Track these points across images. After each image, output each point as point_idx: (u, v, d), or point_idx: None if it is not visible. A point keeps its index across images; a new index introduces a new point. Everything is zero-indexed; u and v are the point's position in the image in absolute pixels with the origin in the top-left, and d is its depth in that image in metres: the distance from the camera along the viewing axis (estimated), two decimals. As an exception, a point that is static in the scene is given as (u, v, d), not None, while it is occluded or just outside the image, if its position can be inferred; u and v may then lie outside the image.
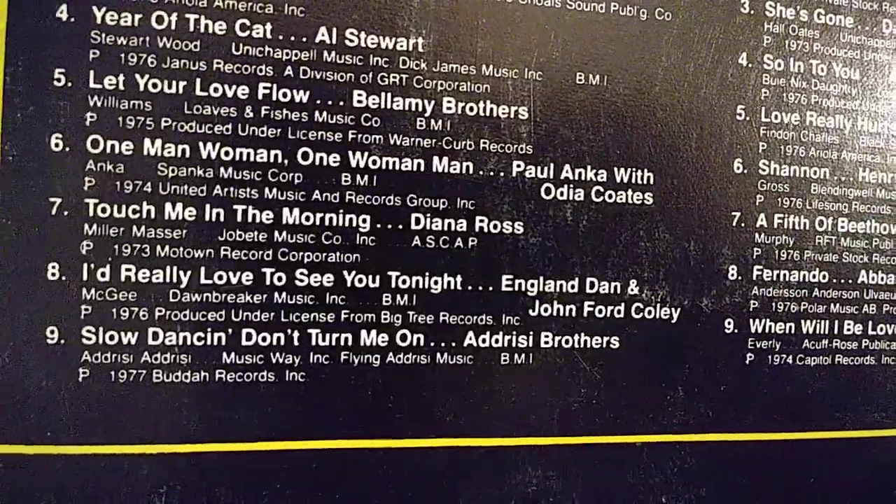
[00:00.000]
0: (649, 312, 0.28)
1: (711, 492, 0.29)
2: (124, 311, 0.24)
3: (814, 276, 0.30)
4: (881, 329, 0.31)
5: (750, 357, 0.29)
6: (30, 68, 0.23)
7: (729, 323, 0.29)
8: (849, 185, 0.30)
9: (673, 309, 0.29)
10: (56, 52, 0.23)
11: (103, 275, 0.24)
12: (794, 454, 0.30)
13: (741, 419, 0.30)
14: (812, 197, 0.30)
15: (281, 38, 0.25)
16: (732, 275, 0.29)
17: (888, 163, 0.31)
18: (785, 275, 0.30)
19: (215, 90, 0.25)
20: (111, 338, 0.24)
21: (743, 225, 0.29)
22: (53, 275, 0.24)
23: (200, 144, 0.24)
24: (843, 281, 0.30)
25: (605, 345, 0.28)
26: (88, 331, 0.24)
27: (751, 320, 0.29)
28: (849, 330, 0.30)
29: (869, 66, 0.30)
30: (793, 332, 0.30)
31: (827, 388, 0.30)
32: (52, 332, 0.24)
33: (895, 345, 0.31)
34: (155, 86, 0.24)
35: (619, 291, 0.28)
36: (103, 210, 0.24)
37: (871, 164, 0.30)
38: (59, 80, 0.23)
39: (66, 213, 0.24)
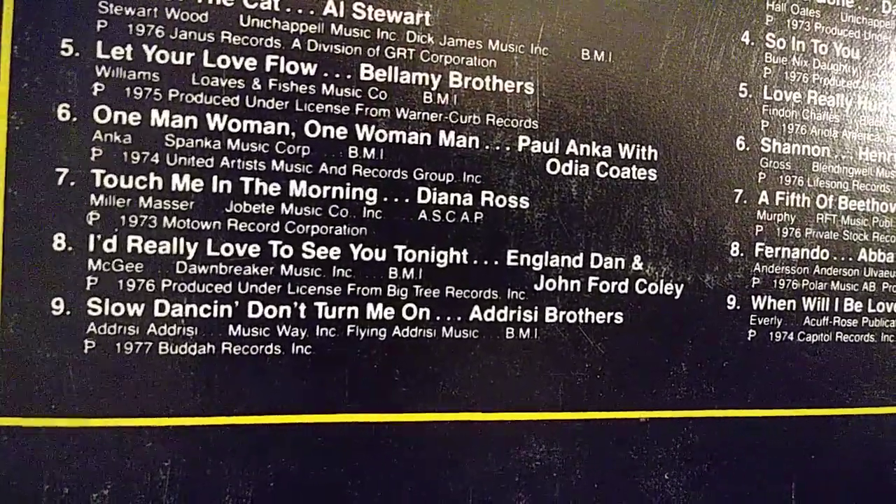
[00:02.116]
0: (653, 288, 0.29)
1: (714, 468, 0.30)
2: (130, 283, 0.24)
3: (815, 254, 0.30)
4: (881, 307, 0.31)
5: (752, 333, 0.30)
6: (37, 38, 0.23)
7: (731, 299, 0.29)
8: (849, 164, 0.30)
9: (676, 285, 0.29)
10: (64, 23, 0.23)
11: (110, 246, 0.24)
12: (796, 431, 0.30)
13: (743, 395, 0.30)
14: (813, 175, 0.30)
15: (289, 10, 0.25)
16: (735, 251, 0.29)
17: (888, 142, 0.31)
18: (786, 252, 0.30)
19: (223, 62, 0.25)
20: (117, 309, 0.24)
21: (745, 202, 0.29)
22: (59, 245, 0.24)
23: (208, 116, 0.24)
24: (843, 259, 0.30)
25: (609, 320, 0.28)
26: (94, 302, 0.24)
27: (753, 297, 0.30)
28: (849, 307, 0.31)
29: (869, 46, 0.31)
30: (794, 309, 0.30)
31: (828, 364, 0.31)
32: (57, 303, 0.24)
33: (895, 323, 0.31)
34: (163, 57, 0.24)
35: (623, 267, 0.28)
36: (110, 181, 0.24)
37: (871, 142, 0.31)
38: (66, 50, 0.23)
39: (72, 183, 0.24)
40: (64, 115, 0.23)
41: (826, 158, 0.30)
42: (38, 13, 0.23)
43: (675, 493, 0.29)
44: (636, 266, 0.28)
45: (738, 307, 0.29)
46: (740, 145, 0.29)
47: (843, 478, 0.31)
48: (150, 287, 0.24)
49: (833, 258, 0.30)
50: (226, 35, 0.24)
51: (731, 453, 0.30)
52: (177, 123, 0.24)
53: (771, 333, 0.30)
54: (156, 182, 0.24)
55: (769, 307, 0.30)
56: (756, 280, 0.30)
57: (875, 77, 0.31)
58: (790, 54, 0.30)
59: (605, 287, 0.28)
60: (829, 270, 0.30)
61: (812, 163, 0.30)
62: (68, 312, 0.24)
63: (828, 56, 0.30)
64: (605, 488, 0.29)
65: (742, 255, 0.29)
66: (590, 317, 0.28)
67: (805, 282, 0.30)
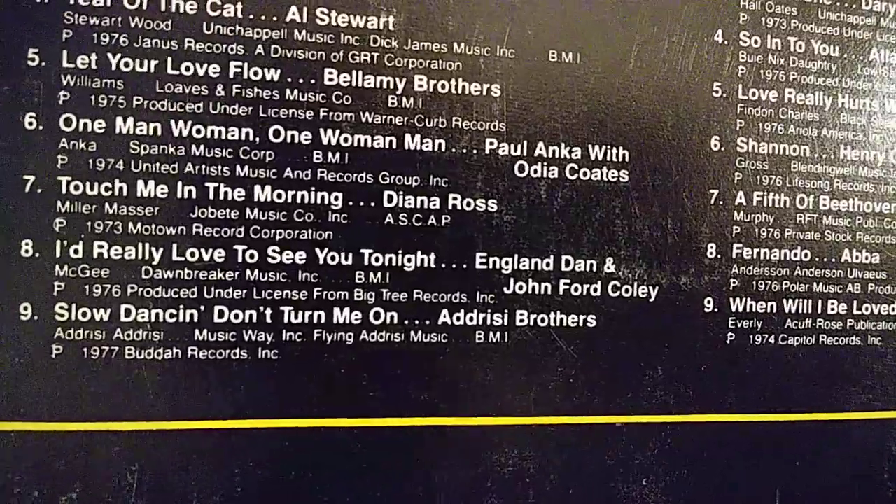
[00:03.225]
0: (626, 291, 0.28)
1: (694, 474, 0.29)
2: (97, 288, 0.24)
3: (795, 255, 0.30)
4: (866, 309, 0.30)
5: (731, 336, 0.29)
6: (3, 48, 0.24)
7: (709, 302, 0.29)
8: (830, 163, 0.30)
9: (651, 287, 0.28)
10: (30, 33, 0.24)
11: (76, 252, 0.24)
12: (778, 436, 0.30)
13: (723, 400, 0.29)
14: (792, 174, 0.30)
15: (252, 17, 0.25)
16: (711, 253, 0.29)
17: (870, 140, 0.30)
18: (765, 253, 0.29)
19: (187, 69, 0.25)
20: (84, 314, 0.24)
21: (721, 203, 0.29)
22: (27, 252, 0.24)
23: (172, 122, 0.25)
24: (825, 259, 0.30)
25: (581, 323, 0.28)
26: (61, 307, 0.24)
27: (731, 299, 0.29)
28: (833, 309, 0.30)
29: (849, 43, 0.30)
30: (775, 311, 0.30)
31: (811, 368, 0.30)
32: (25, 308, 0.24)
33: (881, 325, 0.31)
34: (127, 65, 0.24)
35: (595, 269, 0.28)
36: (76, 187, 0.24)
37: (853, 141, 0.30)
38: (32, 59, 0.24)
39: (39, 190, 0.24)
40: (30, 123, 0.24)
41: (805, 158, 0.30)
42: (3, 24, 0.24)
43: (654, 500, 0.29)
44: (609, 268, 0.28)
45: (716, 310, 0.29)
46: (715, 145, 0.29)
47: (829, 484, 0.30)
48: (117, 292, 0.25)
49: (815, 259, 0.30)
50: (189, 42, 0.25)
51: (712, 459, 0.29)
52: (141, 130, 0.25)
53: (751, 336, 0.29)
54: (121, 188, 0.24)
55: (748, 309, 0.29)
56: (734, 282, 0.29)
57: (856, 74, 0.30)
58: (765, 53, 0.29)
59: (576, 290, 0.28)
60: (811, 272, 0.30)
61: (791, 162, 0.30)
62: (36, 318, 0.24)
63: (805, 54, 0.30)
64: (580, 494, 0.28)
65: (719, 256, 0.29)
66: (562, 320, 0.28)
67: (786, 283, 0.30)
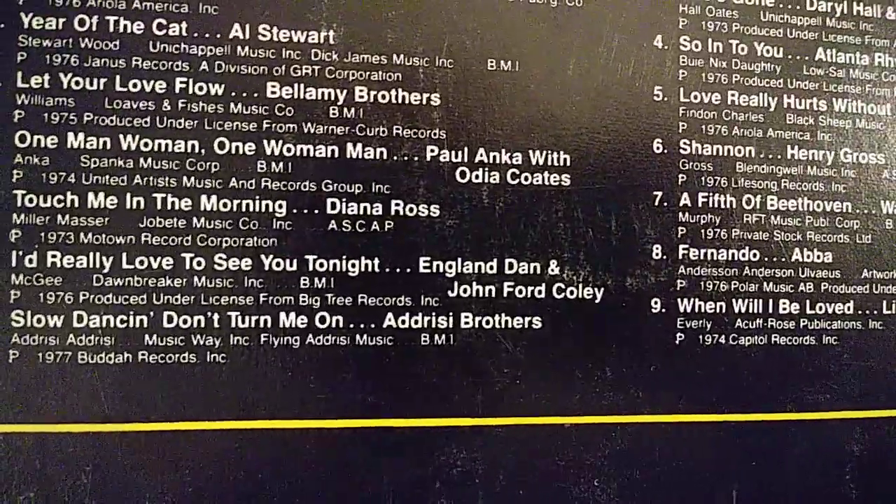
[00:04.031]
0: (571, 292, 0.29)
1: (647, 474, 0.29)
2: (51, 296, 0.26)
3: (744, 255, 0.30)
4: (820, 308, 0.30)
5: (680, 337, 0.29)
6: (-39, 71, 0.25)
7: (655, 302, 0.29)
8: (776, 163, 0.30)
9: (596, 289, 0.29)
10: (-15, 56, 0.25)
11: (31, 261, 0.25)
12: (733, 437, 0.30)
13: (674, 400, 0.29)
14: (737, 175, 0.30)
15: (196, 35, 0.26)
16: (657, 254, 0.29)
17: (818, 139, 0.31)
18: (712, 253, 0.30)
19: (134, 85, 0.26)
20: (39, 321, 0.26)
21: (665, 204, 0.29)
22: (-17, 262, 0.25)
23: (121, 136, 0.26)
24: (775, 259, 0.30)
25: (526, 325, 0.28)
26: (17, 314, 0.25)
27: (678, 300, 0.29)
28: (784, 309, 0.30)
29: (792, 44, 0.31)
30: (724, 311, 0.30)
31: (764, 368, 0.30)
32: (-18, 316, 0.25)
33: (836, 324, 0.30)
34: (77, 83, 0.26)
35: (538, 272, 0.28)
36: (30, 200, 0.25)
37: (801, 141, 0.30)
38: (-12, 80, 0.25)
39: (-5, 203, 0.25)
40: (-14, 140, 0.25)
41: (751, 158, 0.30)
42: (-40, 48, 0.25)
43: (607, 500, 0.29)
44: (553, 271, 0.28)
45: (664, 310, 0.29)
46: (658, 148, 0.29)
47: (789, 485, 0.30)
48: (69, 299, 0.26)
49: (764, 259, 0.30)
50: (136, 60, 0.26)
51: (665, 459, 0.29)
52: (92, 145, 0.26)
53: (700, 336, 0.29)
54: (72, 200, 0.26)
55: (697, 310, 0.29)
56: (681, 282, 0.29)
57: (802, 75, 0.31)
58: (706, 56, 0.30)
59: (521, 292, 0.28)
60: (761, 271, 0.30)
61: (735, 163, 0.30)
62: (-8, 325, 0.25)
63: (748, 56, 0.30)
64: (531, 495, 0.29)
65: (665, 257, 0.29)
66: (507, 322, 0.28)
67: (735, 283, 0.30)
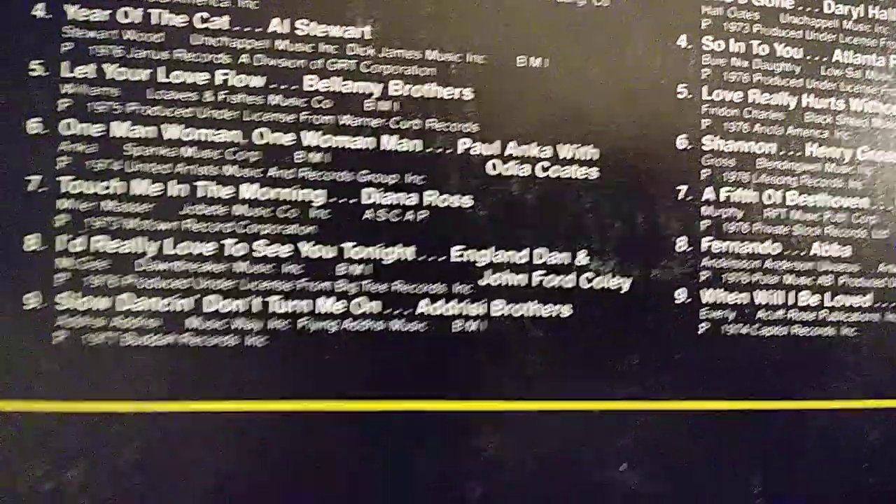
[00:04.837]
0: (599, 282, 0.29)
1: (671, 459, 0.30)
2: (95, 280, 0.26)
3: (765, 248, 0.31)
4: (838, 301, 0.31)
5: (703, 327, 0.30)
6: (8, 60, 0.26)
7: (680, 293, 0.30)
8: (796, 160, 0.31)
9: (623, 279, 0.30)
10: (33, 46, 0.26)
11: (76, 246, 0.26)
12: (754, 424, 0.30)
13: (697, 388, 0.30)
14: (759, 171, 0.31)
15: (237, 28, 0.27)
16: (681, 246, 0.30)
17: (836, 137, 0.31)
18: (735, 246, 0.30)
19: (177, 77, 0.27)
20: (84, 304, 0.26)
21: (690, 198, 0.30)
22: (30, 246, 0.26)
23: (164, 126, 0.27)
24: (795, 252, 0.31)
25: (556, 313, 0.29)
26: (63, 297, 0.26)
27: (702, 291, 0.30)
28: (804, 301, 0.31)
29: (812, 45, 0.32)
30: (746, 302, 0.30)
31: (785, 358, 0.31)
32: (29, 298, 0.26)
33: (854, 316, 0.31)
34: (122, 74, 0.27)
35: (568, 262, 0.29)
36: (75, 187, 0.26)
37: (819, 139, 0.31)
38: (34, 70, 0.26)
39: (41, 190, 0.26)
40: (33, 128, 0.26)
41: (771, 155, 0.31)
42: (10, 38, 0.26)
43: (633, 484, 0.30)
44: (581, 261, 0.29)
45: (688, 301, 0.30)
46: (681, 144, 0.30)
47: (808, 471, 0.31)
48: (114, 283, 0.26)
49: (784, 252, 0.31)
50: (179, 53, 0.27)
51: (689, 445, 0.30)
52: (135, 134, 0.27)
53: (723, 327, 0.30)
54: (117, 187, 0.26)
55: (719, 301, 0.30)
56: (705, 274, 0.30)
57: (820, 75, 0.32)
58: (729, 56, 0.31)
59: (550, 281, 0.29)
60: (781, 264, 0.31)
61: (757, 159, 0.31)
62: (40, 307, 0.26)
63: (769, 56, 0.31)
64: (559, 478, 0.29)
65: (689, 249, 0.30)
66: (536, 310, 0.29)
67: (756, 276, 0.31)
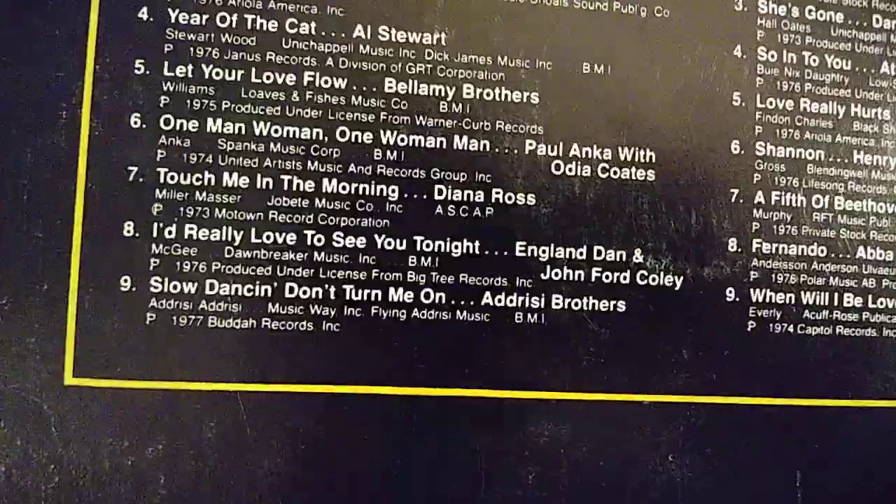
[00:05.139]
0: (653, 279, 0.31)
1: (717, 452, 0.31)
2: (186, 265, 0.28)
3: (812, 251, 0.32)
4: (881, 303, 0.33)
5: (751, 325, 0.32)
6: (115, 59, 0.28)
7: (730, 292, 0.31)
8: (844, 166, 0.32)
9: (676, 277, 0.31)
10: (137, 46, 0.28)
11: (170, 233, 0.28)
12: (797, 420, 0.32)
13: (744, 383, 0.31)
14: (808, 176, 0.32)
15: (323, 33, 0.29)
16: (732, 247, 0.31)
17: (882, 146, 0.33)
18: (783, 248, 0.32)
19: (267, 77, 0.29)
20: (174, 287, 0.28)
21: (741, 201, 0.32)
22: (128, 232, 0.28)
23: (254, 123, 0.29)
24: (841, 256, 0.32)
25: (612, 308, 0.31)
26: (156, 281, 0.28)
27: (751, 290, 0.32)
28: (849, 302, 0.32)
29: (861, 58, 0.33)
30: (793, 302, 0.32)
31: (829, 357, 0.32)
32: (125, 281, 0.28)
33: (895, 318, 0.33)
34: (217, 74, 0.29)
35: (624, 259, 0.31)
36: (171, 178, 0.28)
37: (866, 147, 0.33)
38: (138, 69, 0.28)
39: (140, 179, 0.28)
40: (135, 122, 0.28)
41: (820, 161, 0.32)
42: (116, 38, 0.28)
43: (680, 474, 0.31)
44: (637, 259, 0.31)
45: (737, 299, 0.31)
46: (735, 149, 0.32)
47: (848, 467, 0.32)
48: (203, 269, 0.28)
49: (831, 255, 0.32)
50: (270, 55, 0.29)
51: (735, 439, 0.31)
52: (228, 130, 0.28)
53: (770, 325, 0.32)
54: (209, 179, 0.28)
55: (768, 300, 0.32)
56: (754, 274, 0.32)
57: (868, 86, 0.33)
58: (782, 66, 0.32)
59: (607, 277, 0.31)
60: (828, 266, 0.32)
61: (806, 165, 0.32)
62: (134, 289, 0.28)
63: (819, 67, 0.33)
64: (611, 465, 0.31)
65: (739, 250, 0.32)
66: (593, 304, 0.31)
67: (803, 277, 0.32)
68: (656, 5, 0.31)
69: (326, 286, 0.29)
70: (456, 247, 0.30)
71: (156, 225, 0.28)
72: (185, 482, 0.28)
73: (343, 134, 0.29)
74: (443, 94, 0.30)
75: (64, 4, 0.28)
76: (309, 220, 0.29)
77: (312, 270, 0.29)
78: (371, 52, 0.29)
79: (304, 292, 0.29)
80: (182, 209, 0.28)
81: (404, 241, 0.29)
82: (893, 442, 0.33)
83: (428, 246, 0.30)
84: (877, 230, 0.33)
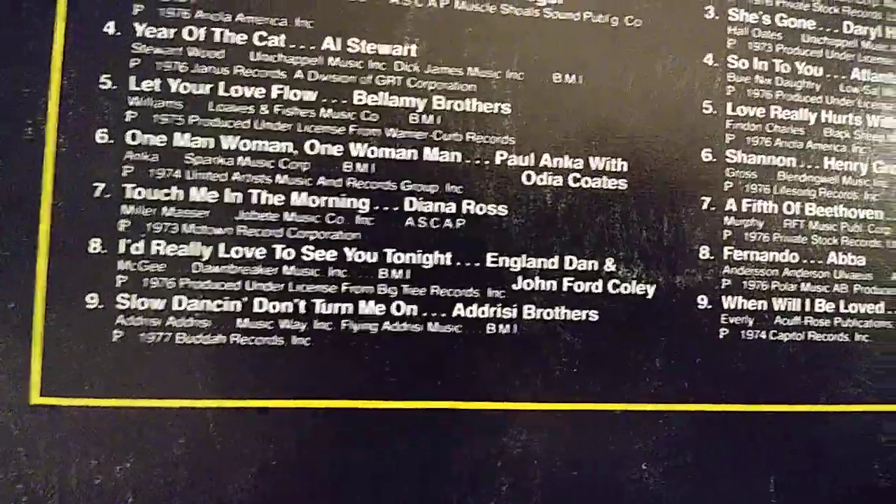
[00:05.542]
0: (625, 288, 0.31)
1: (690, 459, 0.31)
2: (154, 281, 0.28)
3: (783, 257, 0.32)
4: (853, 308, 0.33)
5: (723, 332, 0.32)
6: (81, 74, 0.28)
7: (702, 299, 0.32)
8: (815, 173, 0.33)
9: (648, 285, 0.31)
10: (103, 61, 0.28)
11: (137, 249, 0.28)
12: (770, 426, 0.32)
13: (717, 390, 0.32)
14: (779, 183, 0.32)
15: (292, 46, 0.29)
16: (704, 254, 0.32)
17: (853, 152, 0.33)
18: (755, 255, 0.32)
19: (236, 91, 0.29)
20: (142, 304, 0.28)
21: (713, 209, 0.32)
22: (95, 248, 0.28)
23: (222, 137, 0.28)
24: (812, 261, 0.32)
25: (584, 317, 0.31)
26: (123, 297, 0.28)
27: (723, 297, 0.32)
28: (820, 308, 0.32)
29: (831, 64, 0.33)
30: (765, 309, 0.32)
31: (801, 363, 0.32)
32: (91, 298, 0.28)
33: (868, 323, 0.33)
34: (185, 88, 0.28)
35: (596, 268, 0.31)
36: (138, 193, 0.28)
37: (837, 153, 0.33)
38: (104, 84, 0.28)
39: (107, 195, 0.28)
40: (101, 138, 0.28)
41: (791, 168, 0.32)
42: (82, 53, 0.28)
43: (654, 483, 0.31)
44: (609, 268, 0.31)
45: (710, 307, 0.32)
46: (706, 157, 0.32)
47: (821, 472, 0.32)
48: (171, 285, 0.28)
49: (802, 261, 0.32)
50: (238, 69, 0.29)
51: (708, 445, 0.32)
52: (196, 144, 0.28)
53: (742, 332, 0.32)
54: (177, 194, 0.28)
55: (739, 307, 0.32)
56: (726, 281, 0.32)
57: (838, 92, 0.33)
58: (752, 74, 0.32)
59: (579, 287, 0.31)
60: (799, 273, 0.32)
61: (777, 172, 0.32)
62: (100, 306, 0.28)
63: (790, 74, 0.33)
64: (584, 475, 0.31)
65: (711, 258, 0.32)
66: (566, 314, 0.31)
67: (775, 283, 0.32)
68: (627, 15, 0.31)
69: (296, 300, 0.29)
70: (427, 259, 0.30)
71: (122, 241, 0.28)
72: (154, 500, 0.28)
73: (313, 147, 0.29)
74: (413, 105, 0.30)
75: (29, 19, 0.28)
76: (278, 234, 0.29)
77: (282, 285, 0.29)
78: (341, 65, 0.29)
79: (274, 307, 0.29)
80: (149, 225, 0.28)
81: (375, 254, 0.29)
82: (866, 446, 0.33)
83: (399, 258, 0.29)
84: (848, 236, 0.33)
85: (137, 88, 0.28)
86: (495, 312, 0.30)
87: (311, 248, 0.29)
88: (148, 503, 0.28)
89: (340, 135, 0.29)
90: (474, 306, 0.30)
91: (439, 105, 0.30)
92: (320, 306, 0.29)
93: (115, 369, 0.28)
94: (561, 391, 0.31)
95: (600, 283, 0.31)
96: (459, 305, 0.30)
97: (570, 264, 0.31)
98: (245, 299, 0.29)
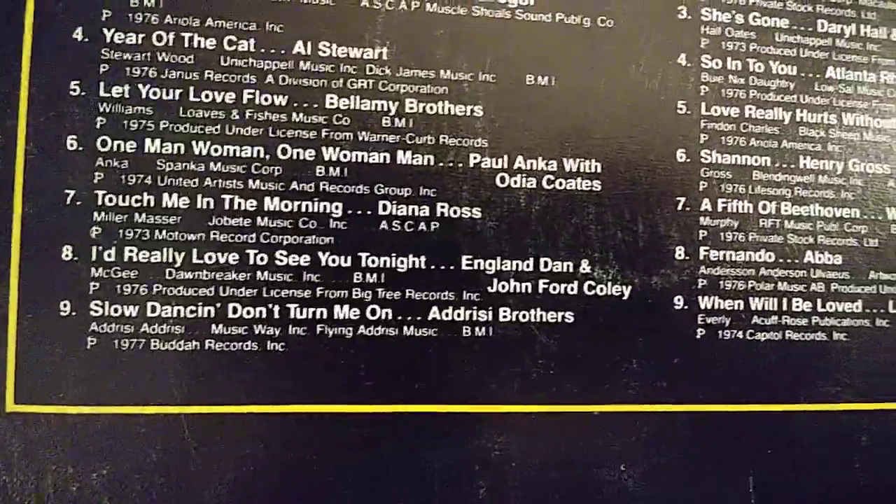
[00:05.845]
0: (601, 290, 0.31)
1: (668, 460, 0.31)
2: (127, 288, 0.28)
3: (760, 257, 0.32)
4: (830, 307, 0.33)
5: (700, 332, 0.32)
6: (50, 81, 0.28)
7: (678, 300, 0.31)
8: (790, 172, 0.33)
9: (624, 286, 0.31)
10: (72, 67, 0.28)
11: (109, 256, 0.28)
12: (748, 425, 0.32)
13: (695, 391, 0.32)
14: (754, 183, 0.32)
15: (263, 50, 0.29)
16: (680, 255, 0.32)
17: (828, 150, 0.33)
18: (731, 255, 0.32)
19: (206, 96, 0.29)
20: (115, 311, 0.28)
21: (688, 209, 0.32)
22: (67, 256, 0.28)
23: (193, 143, 0.28)
24: (789, 261, 0.32)
25: (560, 319, 0.31)
26: (96, 304, 0.28)
27: (699, 297, 0.32)
28: (797, 307, 0.32)
29: (805, 63, 0.33)
30: (742, 308, 0.32)
31: (779, 362, 0.32)
32: (64, 305, 0.28)
33: (846, 322, 0.33)
34: (155, 94, 0.28)
35: (571, 270, 0.31)
36: (110, 200, 0.28)
37: (812, 152, 0.33)
38: (74, 90, 0.28)
39: (78, 202, 0.28)
40: (71, 144, 0.28)
41: (767, 167, 0.32)
42: (51, 59, 0.28)
43: (633, 484, 0.31)
44: (584, 269, 0.31)
45: (686, 307, 0.32)
46: (681, 157, 0.32)
47: (801, 471, 0.32)
48: (144, 291, 0.28)
49: (779, 260, 0.32)
50: (208, 73, 0.29)
51: (687, 446, 0.32)
52: (167, 150, 0.28)
53: (719, 332, 0.32)
54: (149, 200, 0.28)
55: (716, 307, 0.32)
56: (702, 282, 0.32)
57: (813, 91, 0.33)
58: (726, 73, 0.32)
59: (555, 289, 0.31)
60: (776, 272, 0.32)
61: (752, 172, 0.32)
62: (73, 313, 0.28)
63: (764, 73, 0.33)
64: (562, 477, 0.31)
65: (687, 258, 0.32)
66: (541, 316, 0.31)
67: (751, 283, 0.32)
68: (600, 16, 0.31)
69: (270, 305, 0.29)
70: (402, 262, 0.30)
71: (95, 248, 0.28)
72: (128, 508, 0.28)
73: (284, 151, 0.29)
74: (385, 109, 0.30)
75: (-3, 25, 0.28)
76: (251, 239, 0.29)
77: (256, 290, 0.29)
78: (312, 69, 0.29)
79: (248, 312, 0.29)
80: (121, 231, 0.28)
81: (349, 258, 0.29)
82: (846, 445, 0.33)
83: (373, 262, 0.29)
84: (824, 234, 0.33)
85: (107, 94, 0.28)
86: (471, 315, 0.30)
87: (285, 252, 0.29)
88: (120, 511, 0.28)
89: (312, 139, 0.29)
90: (450, 309, 0.30)
91: (411, 108, 0.30)
92: (295, 311, 0.29)
93: (89, 376, 0.28)
94: (538, 393, 0.30)
95: (576, 284, 0.31)
96: (435, 309, 0.30)
97: (546, 266, 0.31)
98: (219, 305, 0.28)
